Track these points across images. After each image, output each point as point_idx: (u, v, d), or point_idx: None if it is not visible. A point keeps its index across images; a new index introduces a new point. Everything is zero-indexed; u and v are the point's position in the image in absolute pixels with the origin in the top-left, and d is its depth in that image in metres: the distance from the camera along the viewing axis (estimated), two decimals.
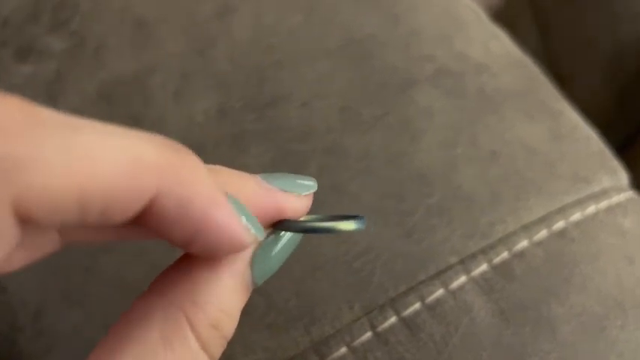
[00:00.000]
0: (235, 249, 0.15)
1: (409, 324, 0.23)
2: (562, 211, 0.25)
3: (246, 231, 0.15)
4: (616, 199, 0.27)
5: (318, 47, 0.29)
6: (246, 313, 0.17)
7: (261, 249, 0.17)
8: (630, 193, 0.28)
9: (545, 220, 0.25)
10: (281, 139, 0.26)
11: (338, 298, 0.23)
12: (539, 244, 0.24)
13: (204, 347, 0.15)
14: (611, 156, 0.29)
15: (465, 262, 0.24)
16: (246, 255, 0.16)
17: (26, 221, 0.12)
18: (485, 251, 0.24)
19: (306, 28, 0.29)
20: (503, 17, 0.45)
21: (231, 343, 0.23)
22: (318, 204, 0.25)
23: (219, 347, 0.16)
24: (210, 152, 0.26)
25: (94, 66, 0.29)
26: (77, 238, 0.15)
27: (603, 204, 0.26)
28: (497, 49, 0.30)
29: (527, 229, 0.25)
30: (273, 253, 0.17)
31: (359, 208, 0.25)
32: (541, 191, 0.26)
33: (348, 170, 0.26)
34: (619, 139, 0.48)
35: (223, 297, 0.16)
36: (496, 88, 0.28)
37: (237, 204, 0.15)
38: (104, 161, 0.12)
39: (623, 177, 0.28)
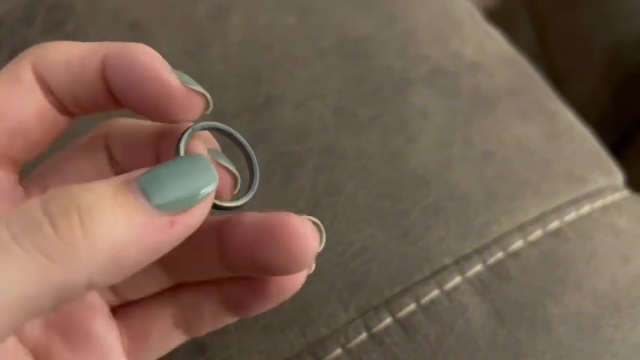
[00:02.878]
0: (167, 97, 0.16)
1: (404, 325, 0.23)
2: (557, 210, 0.25)
3: (170, 73, 0.16)
4: (611, 198, 0.27)
5: (313, 48, 0.29)
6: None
7: (161, 166, 0.15)
8: (625, 193, 0.28)
9: (540, 219, 0.25)
10: (276, 140, 0.26)
11: (333, 299, 0.23)
12: (534, 244, 0.24)
13: (45, 199, 0.14)
14: (606, 155, 0.29)
15: (460, 263, 0.24)
16: (138, 171, 0.15)
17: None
18: (480, 251, 0.24)
19: (300, 29, 0.29)
20: (499, 17, 0.45)
21: (226, 346, 0.23)
22: (314, 204, 0.25)
23: (60, 209, 0.14)
24: None
25: None
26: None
27: (598, 203, 0.26)
28: (492, 49, 0.30)
29: (522, 229, 0.25)
30: (170, 162, 0.16)
31: (355, 208, 0.25)
32: (536, 191, 0.26)
33: (343, 170, 0.26)
34: (616, 139, 0.48)
35: (95, 182, 0.15)
36: (491, 88, 0.28)
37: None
38: (80, 53, 0.17)
39: (618, 176, 0.29)
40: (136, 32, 0.29)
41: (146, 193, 0.15)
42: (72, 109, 0.18)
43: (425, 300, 0.23)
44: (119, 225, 0.14)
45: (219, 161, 0.17)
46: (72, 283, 0.14)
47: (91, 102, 0.17)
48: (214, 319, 0.19)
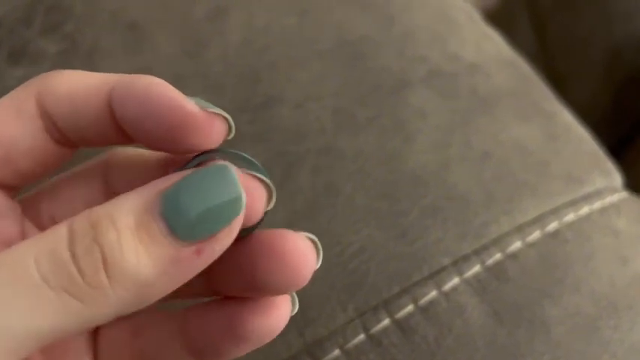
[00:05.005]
0: (187, 124, 0.15)
1: (402, 326, 0.23)
2: (555, 211, 0.25)
3: (186, 100, 0.15)
4: (609, 199, 0.27)
5: (312, 49, 0.29)
6: None
7: (180, 182, 0.14)
8: (624, 194, 0.28)
9: (538, 220, 0.25)
10: (275, 140, 0.26)
11: (331, 299, 0.23)
12: (533, 245, 0.24)
13: (70, 237, 0.14)
14: (604, 156, 0.29)
15: (459, 264, 0.24)
16: (160, 182, 0.15)
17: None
18: (479, 252, 0.24)
19: (299, 30, 0.29)
20: (499, 18, 0.45)
21: None
22: (312, 204, 0.25)
23: (84, 250, 0.14)
24: None
25: (88, 69, 0.28)
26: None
27: (597, 205, 0.26)
28: (491, 50, 0.30)
29: (520, 230, 0.25)
30: (192, 182, 0.14)
31: (353, 209, 0.25)
32: (534, 192, 0.26)
33: (341, 171, 0.26)
34: (616, 140, 0.48)
35: (117, 204, 0.14)
36: (489, 89, 0.28)
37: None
38: (86, 85, 0.16)
39: (616, 177, 0.28)
40: (135, 33, 0.29)
41: (169, 224, 0.14)
42: (75, 141, 0.17)
43: (423, 301, 0.23)
44: (143, 265, 0.14)
45: (252, 172, 0.16)
46: (99, 317, 0.14)
47: (97, 135, 0.16)
48: None
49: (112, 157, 0.18)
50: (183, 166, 0.16)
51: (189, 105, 0.15)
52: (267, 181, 0.16)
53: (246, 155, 0.16)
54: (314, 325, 0.23)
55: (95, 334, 0.18)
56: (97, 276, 0.13)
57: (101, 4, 0.30)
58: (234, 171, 0.15)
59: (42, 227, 0.18)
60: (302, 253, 0.16)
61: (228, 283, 0.17)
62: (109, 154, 0.18)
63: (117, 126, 0.16)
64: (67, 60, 0.28)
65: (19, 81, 0.28)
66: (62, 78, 0.16)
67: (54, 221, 0.18)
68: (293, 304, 0.17)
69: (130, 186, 0.16)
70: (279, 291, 0.16)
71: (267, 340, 0.17)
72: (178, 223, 0.14)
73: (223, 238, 0.14)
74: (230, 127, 0.16)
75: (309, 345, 0.23)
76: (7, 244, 0.17)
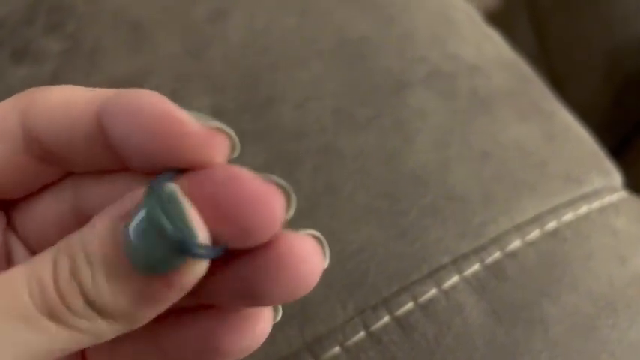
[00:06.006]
0: (184, 140, 0.13)
1: (402, 323, 0.23)
2: (554, 211, 0.26)
3: (183, 113, 0.13)
4: (608, 199, 0.27)
5: (312, 49, 0.29)
6: None
7: (132, 217, 0.13)
8: (623, 194, 0.28)
9: (537, 220, 0.25)
10: (275, 140, 0.27)
11: (331, 297, 0.23)
12: (532, 244, 0.25)
13: (54, 267, 0.14)
14: (603, 156, 0.29)
15: (458, 262, 0.24)
16: (126, 201, 0.14)
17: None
18: (478, 251, 0.24)
19: (299, 30, 0.29)
20: (499, 19, 0.45)
21: None
22: (312, 203, 0.25)
23: (65, 282, 0.14)
24: None
25: (90, 68, 0.29)
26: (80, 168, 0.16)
27: (596, 204, 0.26)
28: (490, 51, 0.30)
29: (519, 229, 0.25)
30: (139, 218, 0.13)
31: (353, 208, 0.25)
32: (533, 192, 0.26)
33: (342, 171, 0.26)
34: (616, 142, 0.49)
35: (89, 234, 0.14)
36: (489, 89, 0.29)
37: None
38: (74, 102, 0.15)
39: (616, 177, 0.29)
40: (137, 33, 0.29)
41: (131, 260, 0.13)
42: (64, 164, 0.16)
43: (423, 299, 0.23)
44: (116, 299, 0.14)
45: (266, 176, 0.14)
46: (99, 338, 0.14)
47: (86, 157, 0.15)
48: None
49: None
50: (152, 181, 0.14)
51: (186, 118, 0.13)
52: (284, 184, 0.14)
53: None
54: (314, 323, 0.23)
55: None
56: (84, 310, 0.14)
57: (103, 4, 0.30)
58: (184, 201, 0.13)
59: (21, 235, 0.17)
60: (308, 257, 0.14)
61: (218, 291, 0.15)
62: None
63: (107, 146, 0.15)
64: (69, 59, 0.29)
65: (22, 80, 0.29)
66: (50, 94, 0.15)
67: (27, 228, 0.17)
68: (276, 312, 0.16)
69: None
70: (280, 300, 0.14)
71: (246, 354, 0.16)
72: (137, 259, 0.13)
73: (187, 272, 0.13)
74: (234, 145, 0.14)
75: (309, 342, 0.23)
76: None
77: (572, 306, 0.24)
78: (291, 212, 0.14)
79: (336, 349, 0.23)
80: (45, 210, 0.17)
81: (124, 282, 0.13)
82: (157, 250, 0.13)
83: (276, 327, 0.23)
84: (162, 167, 0.14)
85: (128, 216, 0.13)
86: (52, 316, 0.14)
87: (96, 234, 0.14)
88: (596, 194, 0.27)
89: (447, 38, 0.30)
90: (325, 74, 0.28)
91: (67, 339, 0.14)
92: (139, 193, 0.14)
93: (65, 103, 0.15)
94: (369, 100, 0.28)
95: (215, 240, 0.13)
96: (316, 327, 0.23)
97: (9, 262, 0.17)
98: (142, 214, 0.13)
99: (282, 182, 0.13)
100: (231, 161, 0.15)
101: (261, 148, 0.26)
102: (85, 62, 0.29)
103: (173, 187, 0.13)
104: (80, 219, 0.16)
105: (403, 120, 0.27)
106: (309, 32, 0.29)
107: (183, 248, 0.13)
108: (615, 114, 0.50)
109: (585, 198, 0.26)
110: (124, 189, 0.15)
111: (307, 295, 0.23)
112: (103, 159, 0.15)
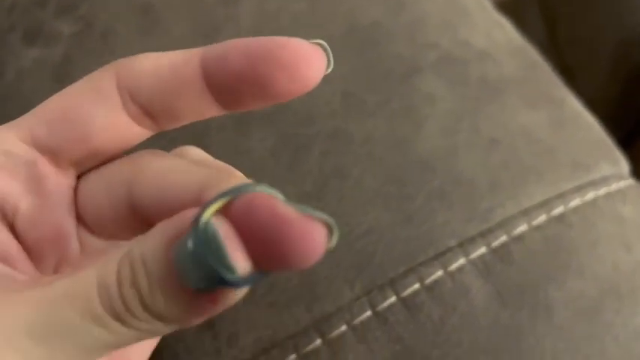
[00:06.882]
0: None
1: (408, 304, 0.23)
2: (561, 196, 0.26)
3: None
4: (615, 186, 0.27)
5: (322, 34, 0.29)
6: (249, 292, 0.17)
7: (183, 239, 0.14)
8: (630, 181, 0.28)
9: (544, 205, 0.25)
10: (284, 124, 0.27)
11: (339, 278, 0.24)
12: (538, 228, 0.25)
13: (118, 276, 0.15)
14: (612, 144, 0.29)
15: (464, 245, 0.24)
16: (179, 220, 0.15)
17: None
18: (485, 235, 0.24)
19: (310, 15, 0.30)
20: (509, 9, 0.45)
21: (235, 321, 0.23)
22: (321, 186, 0.25)
23: (127, 289, 0.15)
24: (214, 136, 0.27)
25: (102, 50, 0.29)
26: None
27: (602, 191, 0.26)
28: (500, 38, 0.30)
29: (526, 213, 0.25)
30: (187, 244, 0.14)
31: (361, 192, 0.25)
32: (541, 178, 0.26)
33: (350, 155, 0.26)
34: (624, 134, 0.48)
35: (148, 247, 0.15)
36: (498, 76, 0.29)
37: None
38: (171, 59, 0.17)
39: (623, 165, 0.29)
40: (148, 16, 0.29)
41: (181, 277, 0.14)
42: (162, 118, 0.17)
43: (429, 280, 0.23)
44: (168, 309, 0.15)
45: (308, 212, 0.14)
46: (157, 334, 0.16)
47: (187, 108, 0.17)
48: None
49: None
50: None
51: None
52: (327, 219, 0.14)
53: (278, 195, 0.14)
54: (322, 302, 0.23)
55: None
56: (137, 310, 0.15)
57: None
58: (226, 241, 0.14)
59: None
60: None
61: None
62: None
63: (208, 94, 0.17)
64: (81, 41, 0.29)
65: (35, 61, 0.29)
66: (145, 57, 0.17)
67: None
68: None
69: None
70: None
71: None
72: (185, 279, 0.14)
73: (230, 295, 0.15)
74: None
75: (316, 320, 0.23)
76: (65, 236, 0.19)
77: (577, 291, 0.24)
78: (334, 242, 0.15)
79: (343, 327, 0.23)
80: (102, 191, 0.18)
81: (174, 295, 0.15)
82: (202, 277, 0.14)
83: (285, 305, 0.23)
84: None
85: (179, 238, 0.14)
86: (118, 318, 0.15)
87: (151, 249, 0.15)
88: (603, 181, 0.27)
89: (458, 24, 0.30)
90: (335, 59, 0.28)
91: (130, 336, 0.16)
92: (189, 214, 0.15)
93: (161, 61, 0.17)
94: (379, 85, 0.28)
95: (256, 265, 0.14)
96: (324, 306, 0.23)
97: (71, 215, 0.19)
98: (189, 244, 0.14)
99: (325, 216, 0.14)
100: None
101: (271, 132, 0.27)
102: (97, 44, 0.29)
103: (215, 227, 0.14)
104: (134, 210, 0.18)
105: (412, 105, 0.27)
106: (319, 17, 0.29)
107: (223, 282, 0.14)
108: (624, 105, 0.50)
109: (592, 184, 0.27)
110: (179, 194, 0.17)
111: (315, 275, 0.24)
112: (206, 109, 0.17)
